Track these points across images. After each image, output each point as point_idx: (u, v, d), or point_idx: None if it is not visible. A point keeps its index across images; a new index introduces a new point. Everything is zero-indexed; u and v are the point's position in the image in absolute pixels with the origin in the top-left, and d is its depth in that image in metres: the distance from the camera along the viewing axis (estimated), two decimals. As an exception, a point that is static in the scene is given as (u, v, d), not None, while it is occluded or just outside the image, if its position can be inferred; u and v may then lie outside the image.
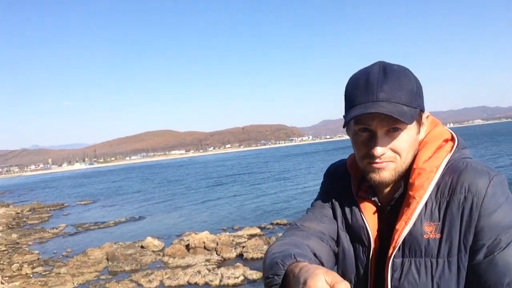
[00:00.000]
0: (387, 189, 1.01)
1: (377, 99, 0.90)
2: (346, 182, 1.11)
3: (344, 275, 1.06)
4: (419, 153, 0.97)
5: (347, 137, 1.05)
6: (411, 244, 0.93)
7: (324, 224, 1.07)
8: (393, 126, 0.91)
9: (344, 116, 0.99)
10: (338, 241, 1.08)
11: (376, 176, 0.95)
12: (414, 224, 0.92)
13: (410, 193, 0.93)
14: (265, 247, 10.43)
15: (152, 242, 12.70)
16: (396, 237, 0.94)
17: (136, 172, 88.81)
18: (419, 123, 0.97)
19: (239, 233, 13.38)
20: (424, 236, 0.92)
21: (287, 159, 70.63)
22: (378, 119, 0.90)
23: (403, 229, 0.93)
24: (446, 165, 0.95)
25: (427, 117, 1.01)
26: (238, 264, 9.71)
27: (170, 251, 11.51)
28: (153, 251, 12.08)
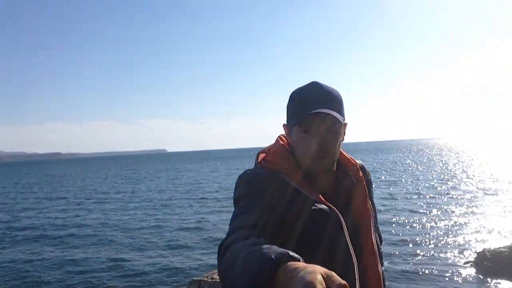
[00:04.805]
0: (325, 183, 1.30)
1: (318, 107, 1.19)
2: (280, 182, 1.22)
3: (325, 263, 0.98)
4: (346, 154, 1.37)
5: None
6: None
7: (271, 224, 1.12)
8: (329, 128, 1.21)
9: (287, 123, 1.30)
10: (292, 233, 1.16)
11: (316, 168, 1.24)
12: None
13: (361, 182, 1.34)
14: None
15: None
16: (370, 211, 1.33)
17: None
18: (343, 131, 1.28)
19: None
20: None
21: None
22: (317, 122, 1.20)
23: (370, 205, 1.34)
24: None
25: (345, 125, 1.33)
26: None
27: None
28: None
